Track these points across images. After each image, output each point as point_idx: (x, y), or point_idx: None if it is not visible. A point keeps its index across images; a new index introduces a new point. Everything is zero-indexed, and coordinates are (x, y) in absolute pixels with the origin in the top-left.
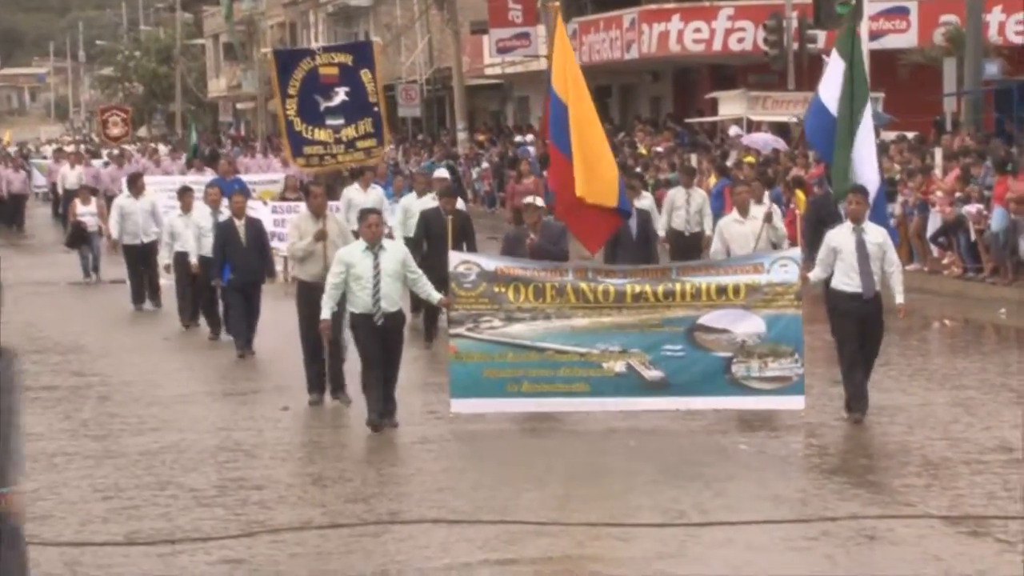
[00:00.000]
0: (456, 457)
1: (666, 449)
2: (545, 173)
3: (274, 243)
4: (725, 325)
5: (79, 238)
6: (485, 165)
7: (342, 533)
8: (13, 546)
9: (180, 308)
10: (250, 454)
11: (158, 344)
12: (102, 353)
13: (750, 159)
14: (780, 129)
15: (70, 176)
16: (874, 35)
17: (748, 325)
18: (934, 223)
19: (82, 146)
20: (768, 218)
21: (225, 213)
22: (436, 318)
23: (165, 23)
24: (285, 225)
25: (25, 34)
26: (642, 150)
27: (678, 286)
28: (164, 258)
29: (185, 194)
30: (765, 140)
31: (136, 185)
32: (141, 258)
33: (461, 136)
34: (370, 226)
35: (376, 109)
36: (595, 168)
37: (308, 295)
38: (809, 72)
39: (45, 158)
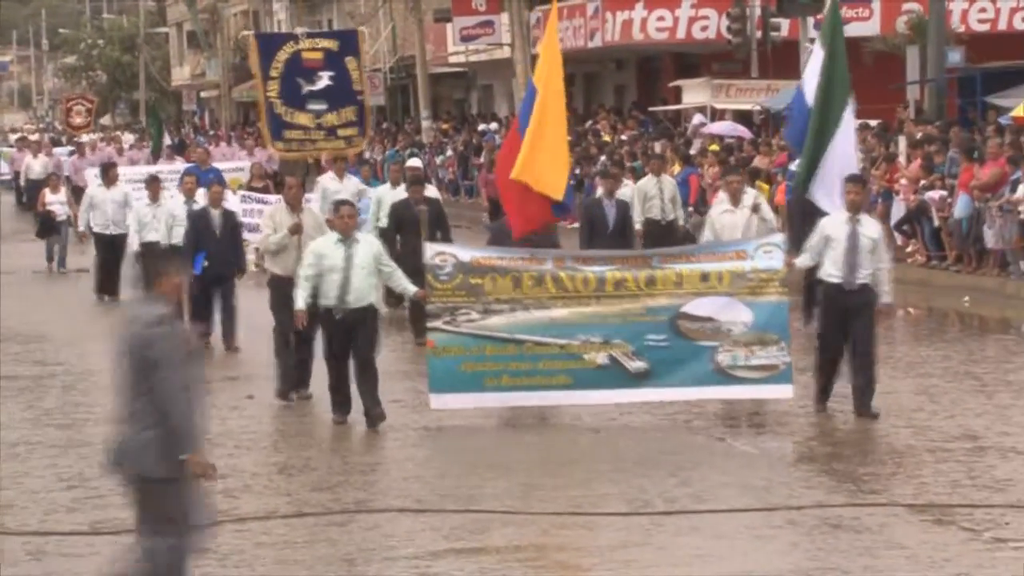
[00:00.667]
0: (422, 446)
1: (632, 438)
2: None
3: (245, 234)
4: (710, 313)
5: (49, 228)
6: (449, 153)
7: (307, 522)
8: None
9: None
10: (214, 443)
11: None
12: (66, 342)
13: (714, 147)
14: (744, 117)
15: (35, 166)
16: None
17: (733, 313)
18: (898, 211)
19: (46, 135)
20: (756, 208)
21: (200, 202)
22: (422, 314)
23: (128, 11)
24: (254, 215)
25: None
26: (606, 138)
27: (660, 273)
28: (133, 245)
29: (152, 183)
30: (729, 128)
31: (108, 175)
32: (111, 248)
33: (425, 124)
34: (343, 218)
35: (360, 98)
36: (545, 156)
37: (281, 289)
38: (773, 60)
39: (11, 147)
